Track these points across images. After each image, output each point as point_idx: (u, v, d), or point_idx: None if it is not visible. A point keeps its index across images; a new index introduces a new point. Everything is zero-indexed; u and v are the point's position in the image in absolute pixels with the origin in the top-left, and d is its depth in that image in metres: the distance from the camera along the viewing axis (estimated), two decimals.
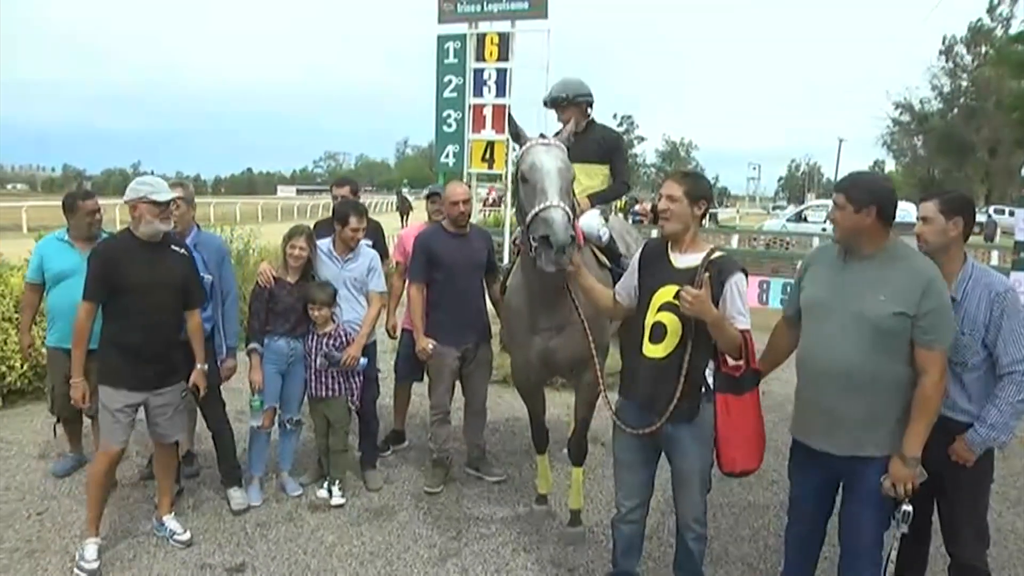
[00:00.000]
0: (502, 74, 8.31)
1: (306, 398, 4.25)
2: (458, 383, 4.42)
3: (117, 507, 4.00)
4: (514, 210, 3.79)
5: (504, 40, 8.27)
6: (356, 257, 4.23)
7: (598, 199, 4.00)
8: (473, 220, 4.55)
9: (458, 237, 4.21)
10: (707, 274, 2.67)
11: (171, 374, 3.56)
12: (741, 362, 2.70)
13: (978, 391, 2.61)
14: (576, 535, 3.77)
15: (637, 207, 24.79)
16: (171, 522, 3.70)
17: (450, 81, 8.57)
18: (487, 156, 8.48)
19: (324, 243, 4.22)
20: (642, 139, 78.05)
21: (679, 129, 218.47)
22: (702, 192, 2.76)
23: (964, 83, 36.26)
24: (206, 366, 3.73)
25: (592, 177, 4.06)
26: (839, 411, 2.53)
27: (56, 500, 4.09)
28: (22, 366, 5.45)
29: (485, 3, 8.34)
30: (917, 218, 2.76)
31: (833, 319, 2.53)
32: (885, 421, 2.49)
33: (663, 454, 2.91)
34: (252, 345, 4.03)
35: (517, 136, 3.24)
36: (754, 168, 72.05)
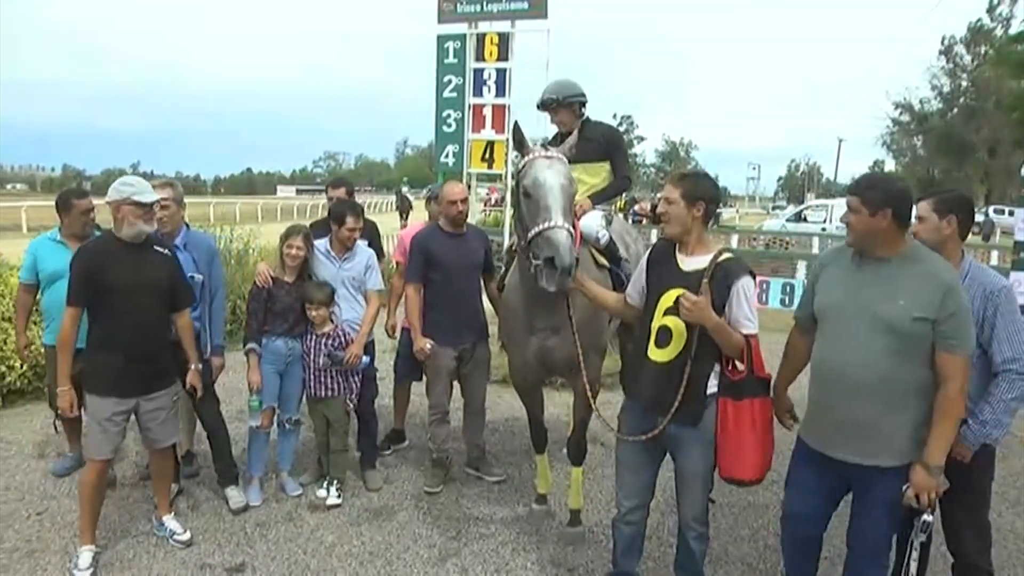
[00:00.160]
0: (502, 74, 8.31)
1: (305, 398, 4.25)
2: (457, 383, 4.42)
3: (117, 507, 4.00)
4: (512, 219, 3.80)
5: (504, 40, 8.27)
6: (353, 256, 4.24)
7: (599, 198, 4.00)
8: (473, 220, 4.55)
9: (455, 237, 4.21)
10: (710, 279, 2.64)
11: (161, 377, 3.51)
12: (743, 367, 2.67)
13: (975, 388, 2.61)
14: (576, 535, 3.77)
15: (637, 207, 24.82)
16: (171, 522, 3.69)
17: (450, 81, 8.57)
18: (487, 156, 8.47)
19: (321, 243, 4.22)
20: (642, 139, 78.13)
21: (679, 129, 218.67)
22: (699, 193, 2.71)
23: (964, 83, 36.28)
24: (200, 365, 3.72)
25: (594, 175, 4.06)
26: (857, 418, 2.47)
27: (56, 500, 4.09)
28: (22, 366, 5.45)
29: (485, 3, 8.34)
30: (914, 217, 2.77)
31: (850, 324, 2.47)
32: (903, 429, 2.44)
33: (667, 455, 2.92)
34: (250, 345, 4.02)
35: (520, 146, 3.19)
36: (754, 168, 72.00)
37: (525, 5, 8.21)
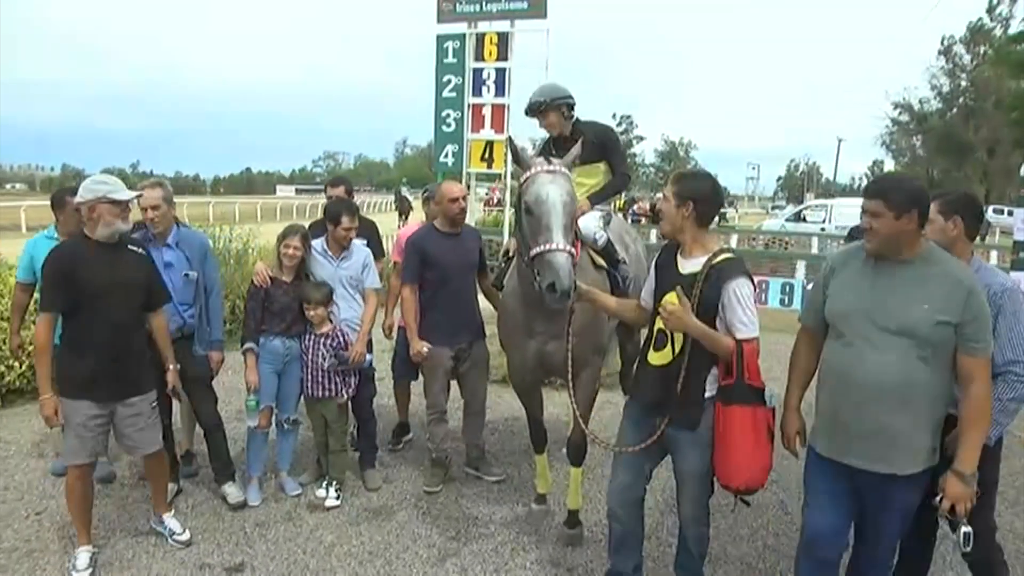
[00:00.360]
0: (501, 74, 8.31)
1: (303, 398, 4.25)
2: (455, 383, 4.43)
3: (116, 507, 4.00)
4: (512, 222, 3.80)
5: (503, 40, 8.27)
6: (350, 256, 4.25)
7: (598, 198, 4.00)
8: (473, 220, 4.56)
9: (451, 237, 4.22)
10: (704, 281, 2.62)
11: (138, 382, 3.41)
12: (733, 373, 2.61)
13: None
14: (574, 535, 3.77)
15: (636, 207, 24.83)
16: (171, 520, 3.68)
17: (449, 81, 8.57)
18: (486, 156, 8.47)
19: (318, 243, 4.23)
20: (641, 139, 78.19)
21: (678, 129, 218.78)
22: (689, 193, 2.68)
23: (963, 83, 36.30)
24: (178, 365, 3.67)
25: (591, 176, 4.06)
26: (876, 426, 2.39)
27: (55, 500, 4.08)
28: (21, 366, 5.44)
29: (484, 3, 8.34)
30: None
31: (869, 330, 2.39)
32: (921, 435, 2.39)
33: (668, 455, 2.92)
34: (248, 345, 4.03)
35: (519, 162, 3.16)
36: (753, 168, 72.11)
37: (524, 5, 8.21)
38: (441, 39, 8.58)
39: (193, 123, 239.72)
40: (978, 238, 3.02)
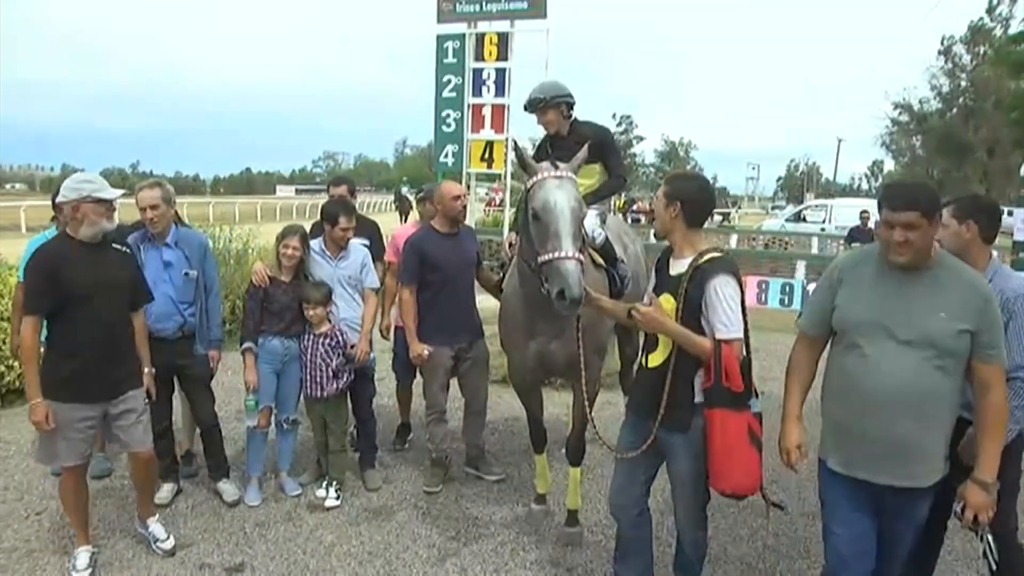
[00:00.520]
0: (501, 74, 8.32)
1: (303, 398, 4.26)
2: (454, 382, 4.43)
3: (116, 507, 4.00)
4: (514, 221, 3.79)
5: (503, 40, 8.29)
6: (348, 255, 4.25)
7: (595, 197, 4.00)
8: (473, 219, 4.57)
9: (450, 237, 4.22)
10: (689, 282, 2.60)
11: (129, 379, 3.36)
12: (711, 376, 2.55)
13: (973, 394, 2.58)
14: (574, 535, 3.77)
15: (635, 206, 24.84)
16: (155, 526, 3.59)
17: (449, 81, 8.58)
18: (486, 156, 8.49)
19: (315, 243, 4.24)
20: (641, 139, 78.12)
21: (678, 129, 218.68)
22: (677, 192, 2.69)
23: (963, 83, 36.29)
24: (153, 369, 3.59)
25: (588, 176, 4.06)
26: (898, 439, 2.31)
27: (55, 500, 4.07)
28: (21, 366, 5.43)
29: (484, 3, 8.36)
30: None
31: (887, 341, 2.31)
32: (938, 445, 2.34)
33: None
34: (247, 345, 4.03)
35: (525, 167, 3.13)
36: (753, 168, 72.13)
37: (524, 5, 8.22)
38: (441, 39, 8.60)
39: (193, 123, 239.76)
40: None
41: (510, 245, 4.09)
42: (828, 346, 2.61)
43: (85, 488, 3.47)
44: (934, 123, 36.97)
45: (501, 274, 4.14)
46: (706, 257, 2.62)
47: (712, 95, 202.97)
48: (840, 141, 55.35)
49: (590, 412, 3.32)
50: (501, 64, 8.29)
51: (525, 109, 4.11)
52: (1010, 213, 7.66)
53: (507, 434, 5.40)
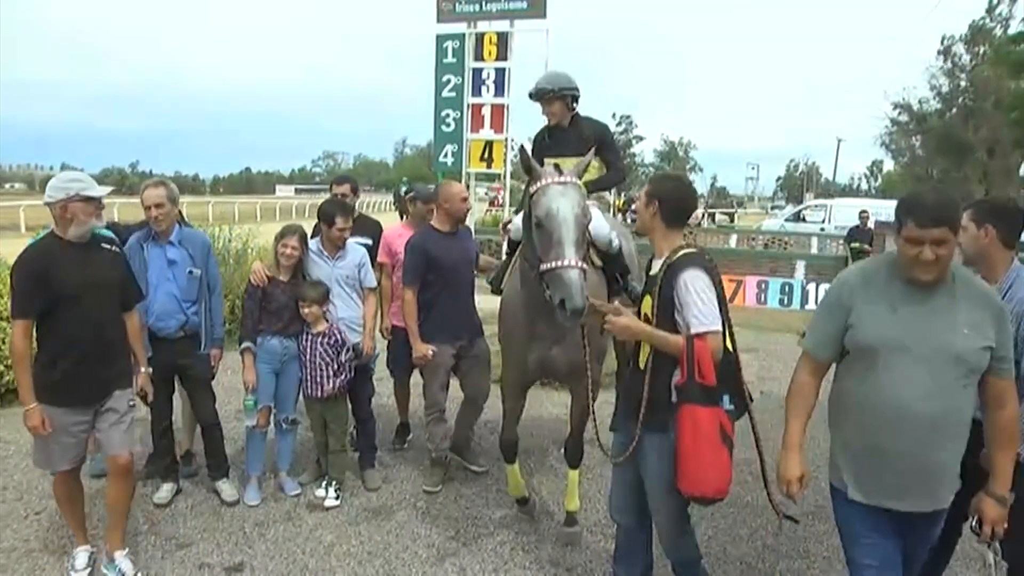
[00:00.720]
0: (501, 73, 8.33)
1: (303, 398, 4.26)
2: (454, 381, 4.43)
3: None
4: (520, 240, 3.79)
5: (503, 39, 8.29)
6: (345, 255, 4.26)
7: (594, 186, 4.01)
8: (473, 220, 4.59)
9: (451, 237, 4.24)
10: (662, 281, 2.59)
11: (118, 379, 3.27)
12: (684, 372, 2.50)
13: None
14: (573, 535, 3.77)
15: (634, 206, 24.85)
16: (123, 561, 3.33)
17: (449, 80, 8.59)
18: (486, 155, 8.49)
19: (313, 242, 4.26)
20: (641, 139, 77.99)
21: (678, 129, 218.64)
22: (655, 191, 2.70)
23: (963, 83, 36.26)
24: (151, 369, 3.58)
25: (587, 172, 4.06)
26: (929, 463, 2.22)
27: (54, 500, 4.05)
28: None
29: (484, 2, 8.36)
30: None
31: (912, 360, 2.18)
32: (957, 463, 2.26)
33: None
34: (245, 344, 4.04)
35: (529, 171, 3.10)
36: (752, 168, 72.23)
37: (524, 5, 8.23)
38: (441, 39, 8.60)
39: (193, 123, 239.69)
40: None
41: (505, 226, 4.11)
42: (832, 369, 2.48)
43: (80, 488, 3.43)
44: (934, 123, 36.92)
45: (499, 272, 4.13)
46: (679, 254, 2.60)
47: (712, 95, 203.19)
48: (840, 141, 55.35)
49: (592, 415, 3.31)
50: (501, 64, 8.30)
51: (531, 97, 4.12)
52: None
53: None
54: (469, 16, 8.45)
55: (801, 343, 2.53)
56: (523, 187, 3.33)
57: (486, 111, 8.38)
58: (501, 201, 24.60)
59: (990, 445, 2.31)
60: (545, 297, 2.92)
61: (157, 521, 3.88)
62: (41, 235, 4.21)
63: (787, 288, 12.99)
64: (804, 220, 21.57)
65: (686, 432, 2.47)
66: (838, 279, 2.42)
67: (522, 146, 3.25)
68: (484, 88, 8.37)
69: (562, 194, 2.91)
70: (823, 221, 20.56)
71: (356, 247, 4.36)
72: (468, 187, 8.02)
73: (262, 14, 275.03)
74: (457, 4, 8.46)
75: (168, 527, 3.83)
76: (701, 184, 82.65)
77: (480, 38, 8.35)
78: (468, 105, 8.42)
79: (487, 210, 22.94)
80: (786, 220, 22.93)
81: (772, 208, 55.77)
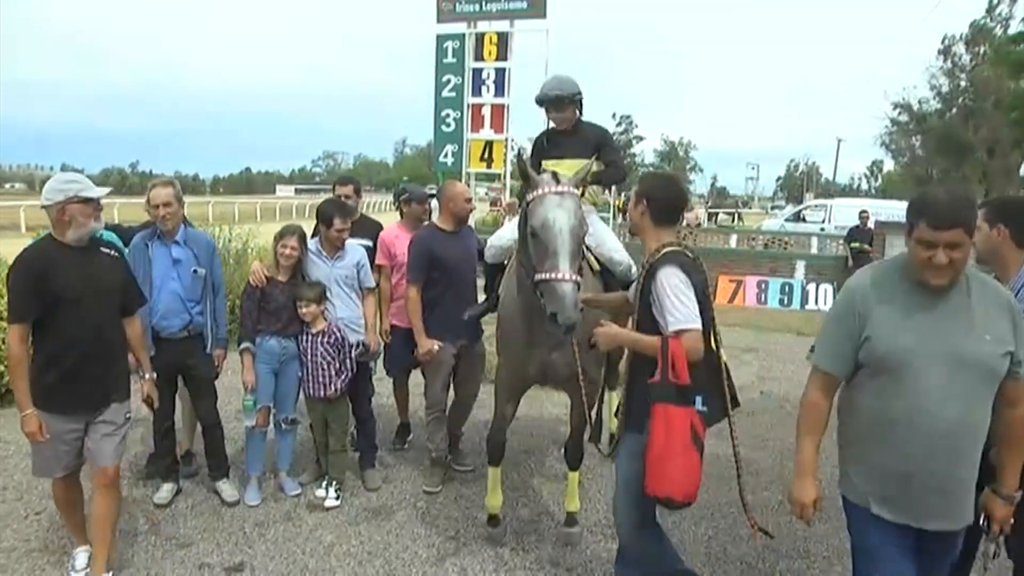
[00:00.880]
0: (501, 73, 8.33)
1: (304, 398, 4.26)
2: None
3: None
4: (497, 263, 3.80)
5: (503, 39, 8.29)
6: (344, 256, 4.27)
7: (593, 179, 4.00)
8: (474, 219, 4.60)
9: (455, 236, 4.25)
10: (643, 282, 2.59)
11: (115, 390, 3.17)
12: (658, 371, 2.48)
13: None
14: (573, 535, 3.77)
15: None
16: None
17: (449, 80, 8.59)
18: (486, 155, 8.49)
19: (312, 243, 4.26)
20: (641, 139, 78.02)
21: (678, 129, 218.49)
22: (643, 190, 2.72)
23: (962, 83, 36.26)
24: (155, 375, 3.51)
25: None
26: (956, 479, 2.12)
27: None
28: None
29: (484, 2, 8.36)
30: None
31: (936, 370, 2.07)
32: (975, 478, 2.17)
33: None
34: (244, 345, 4.04)
35: (526, 179, 3.03)
36: (752, 168, 72.16)
37: (524, 5, 8.22)
38: (441, 39, 8.60)
39: (193, 123, 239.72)
40: None
41: (499, 204, 4.11)
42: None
43: (79, 492, 3.38)
44: (934, 123, 36.93)
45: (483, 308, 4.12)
46: (661, 252, 2.57)
47: (712, 95, 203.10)
48: (840, 141, 55.37)
49: (590, 418, 3.31)
50: (501, 64, 8.29)
51: (540, 103, 4.06)
52: None
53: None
54: (469, 16, 8.45)
55: (810, 359, 2.39)
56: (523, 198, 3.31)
57: (486, 111, 8.38)
58: (502, 201, 24.63)
59: (999, 444, 2.24)
60: (540, 304, 2.88)
61: (157, 521, 3.89)
62: (41, 236, 4.23)
63: (787, 288, 13.01)
64: (804, 220, 21.56)
65: (657, 431, 2.45)
66: (847, 288, 2.27)
67: (519, 152, 3.23)
68: (484, 88, 8.37)
69: (559, 205, 2.85)
70: (823, 221, 20.55)
71: (355, 247, 4.37)
72: (468, 187, 8.02)
73: (262, 14, 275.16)
74: (457, 4, 8.46)
75: (168, 527, 3.83)
76: (701, 184, 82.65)
77: (480, 38, 8.35)
78: (468, 105, 8.42)
79: (491, 209, 22.95)
80: (786, 220, 22.92)
81: (772, 208, 55.75)
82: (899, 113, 39.23)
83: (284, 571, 3.45)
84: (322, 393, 4.11)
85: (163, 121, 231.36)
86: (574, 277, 2.75)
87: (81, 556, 3.35)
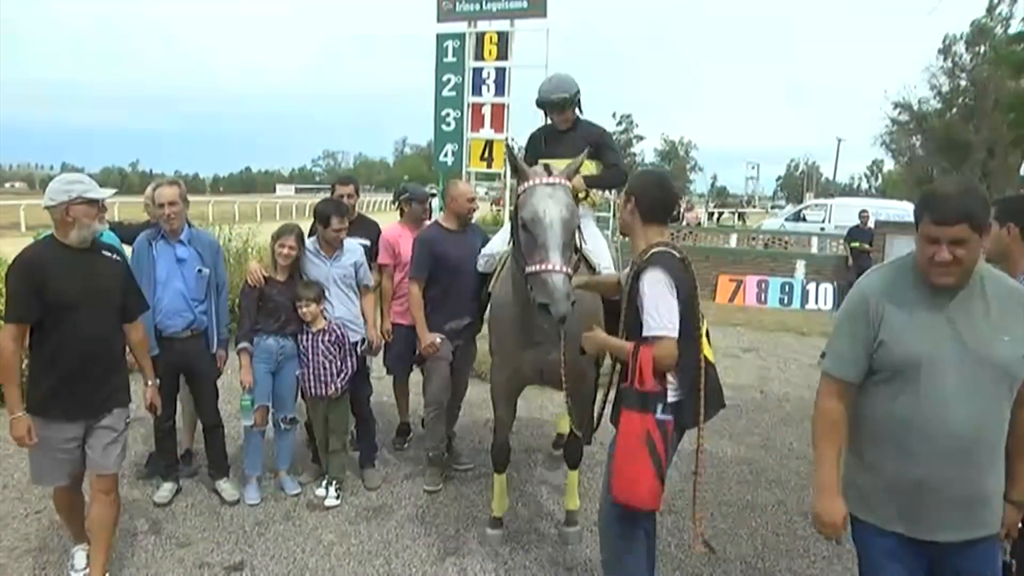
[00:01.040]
0: (501, 73, 8.32)
1: (304, 397, 4.27)
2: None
3: None
4: (510, 244, 3.78)
5: (503, 39, 8.29)
6: (342, 255, 4.27)
7: (592, 182, 4.00)
8: (474, 219, 4.59)
9: (459, 235, 4.26)
10: (630, 285, 2.57)
11: (114, 396, 3.10)
12: (627, 377, 2.49)
13: None
14: (573, 534, 3.77)
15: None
16: None
17: (449, 80, 8.58)
18: (486, 155, 8.48)
19: (310, 242, 4.26)
20: (641, 138, 77.90)
21: (678, 128, 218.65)
22: (631, 188, 2.69)
23: (963, 83, 36.26)
24: (158, 380, 3.46)
25: (584, 171, 4.06)
26: (968, 487, 2.01)
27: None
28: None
29: (484, 2, 8.35)
30: None
31: (954, 375, 1.97)
32: (1000, 484, 2.06)
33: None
34: (242, 345, 4.04)
35: (517, 171, 3.00)
36: (752, 168, 71.91)
37: (524, 4, 8.22)
38: (441, 38, 8.59)
39: (192, 122, 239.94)
40: None
41: (501, 203, 4.09)
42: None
43: (81, 499, 3.30)
44: (934, 123, 36.94)
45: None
46: (649, 253, 2.53)
47: (712, 95, 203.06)
48: (840, 141, 55.32)
49: (569, 411, 3.30)
50: (501, 63, 8.29)
51: (541, 106, 4.03)
52: None
53: None
54: (469, 15, 8.44)
55: (822, 364, 2.25)
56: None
57: (486, 110, 8.37)
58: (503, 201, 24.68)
59: (1012, 447, 2.13)
60: (531, 299, 2.85)
61: (157, 520, 3.89)
62: (42, 235, 4.23)
63: (787, 287, 13.00)
64: (804, 220, 21.55)
65: (620, 437, 2.48)
66: (858, 289, 2.16)
67: (508, 145, 3.22)
68: (484, 87, 8.37)
69: (550, 196, 2.83)
70: (823, 221, 20.54)
71: (354, 247, 4.38)
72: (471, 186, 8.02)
73: (262, 14, 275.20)
74: (457, 3, 8.45)
75: (168, 526, 3.83)
76: (702, 183, 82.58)
77: (480, 37, 8.35)
78: (468, 104, 8.42)
79: (492, 208, 22.99)
80: (786, 220, 22.90)
81: (772, 207, 55.72)
82: (899, 113, 39.23)
83: (284, 570, 3.45)
84: (324, 392, 4.11)
85: (162, 120, 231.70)
86: (565, 268, 2.73)
87: (79, 555, 3.34)
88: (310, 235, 4.32)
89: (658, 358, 2.42)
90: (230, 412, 5.02)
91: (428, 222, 4.71)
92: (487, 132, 8.38)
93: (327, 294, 4.15)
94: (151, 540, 3.68)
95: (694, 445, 2.60)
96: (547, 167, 2.96)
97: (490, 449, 3.88)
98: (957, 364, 1.97)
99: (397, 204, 4.92)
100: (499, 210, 20.75)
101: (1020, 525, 2.22)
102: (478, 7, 8.39)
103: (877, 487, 2.11)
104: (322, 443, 4.29)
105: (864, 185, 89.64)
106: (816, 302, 12.74)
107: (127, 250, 3.86)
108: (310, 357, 4.08)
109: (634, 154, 73.60)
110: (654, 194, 2.66)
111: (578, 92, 3.98)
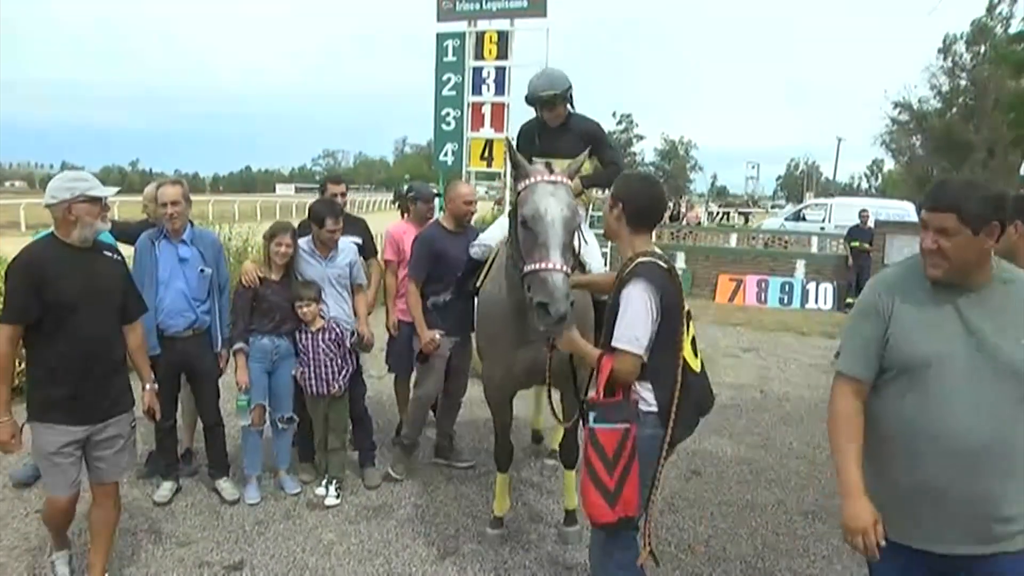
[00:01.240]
0: (501, 72, 8.30)
1: (304, 396, 4.26)
2: None
3: None
4: (508, 242, 3.76)
5: (503, 38, 8.27)
6: (337, 255, 4.28)
7: (590, 181, 4.00)
8: (473, 219, 4.60)
9: (458, 235, 4.26)
10: (616, 291, 2.53)
11: (118, 401, 3.03)
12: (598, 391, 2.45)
13: None
14: (572, 534, 3.77)
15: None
16: None
17: (449, 79, 8.56)
18: (486, 154, 8.47)
19: (304, 242, 4.25)
20: (641, 138, 77.84)
21: (678, 128, 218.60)
22: (618, 192, 2.62)
23: (963, 82, 36.29)
24: (156, 385, 3.34)
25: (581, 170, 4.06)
26: (981, 495, 1.91)
27: None
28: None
29: (484, 1, 8.33)
30: None
31: (966, 377, 1.90)
32: (1017, 495, 1.94)
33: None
34: (238, 345, 4.04)
35: (517, 168, 2.94)
36: (752, 167, 71.80)
37: (524, 3, 8.19)
38: (441, 37, 8.58)
39: (192, 121, 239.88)
40: None
41: (502, 203, 4.08)
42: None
43: (73, 513, 3.13)
44: (934, 122, 36.96)
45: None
46: (633, 263, 2.48)
47: (712, 95, 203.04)
48: (840, 141, 55.31)
49: (549, 401, 3.30)
50: (501, 63, 8.27)
51: (530, 103, 3.99)
52: None
53: None
54: (469, 15, 8.43)
55: (835, 365, 2.16)
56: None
57: (486, 110, 8.36)
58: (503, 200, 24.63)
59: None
60: (528, 300, 2.77)
61: (157, 520, 3.89)
62: (42, 234, 4.21)
63: (787, 287, 13.01)
64: (804, 219, 21.55)
65: (586, 449, 2.48)
66: (870, 285, 2.13)
67: (508, 140, 3.21)
68: (484, 87, 8.35)
69: (551, 194, 2.76)
70: (823, 220, 20.54)
71: (349, 246, 4.39)
72: (472, 187, 8.02)
73: (262, 14, 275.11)
74: (457, 3, 8.43)
75: (168, 526, 3.83)
76: (702, 183, 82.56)
77: (480, 37, 8.33)
78: (468, 104, 8.40)
79: (492, 208, 22.94)
80: (786, 219, 22.90)
81: (772, 207, 55.72)
82: (899, 112, 39.24)
83: (284, 570, 3.45)
84: (326, 390, 4.12)
85: (162, 119, 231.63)
86: (565, 268, 2.67)
87: (61, 562, 3.23)
88: (301, 235, 4.31)
89: (616, 370, 2.41)
90: (230, 411, 5.03)
91: (432, 221, 4.72)
92: (487, 131, 8.36)
93: (323, 294, 4.15)
94: (151, 539, 3.68)
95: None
96: (548, 164, 2.91)
97: (493, 450, 3.88)
98: (968, 365, 1.91)
99: (397, 204, 4.92)
100: (499, 210, 20.76)
101: None
102: (478, 6, 8.37)
103: (887, 495, 2.03)
104: (321, 442, 4.29)
105: (864, 185, 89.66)
106: (816, 302, 12.75)
107: (125, 249, 3.85)
108: (311, 356, 4.08)
109: (634, 154, 73.59)
110: (642, 201, 2.58)
111: (569, 88, 3.93)
